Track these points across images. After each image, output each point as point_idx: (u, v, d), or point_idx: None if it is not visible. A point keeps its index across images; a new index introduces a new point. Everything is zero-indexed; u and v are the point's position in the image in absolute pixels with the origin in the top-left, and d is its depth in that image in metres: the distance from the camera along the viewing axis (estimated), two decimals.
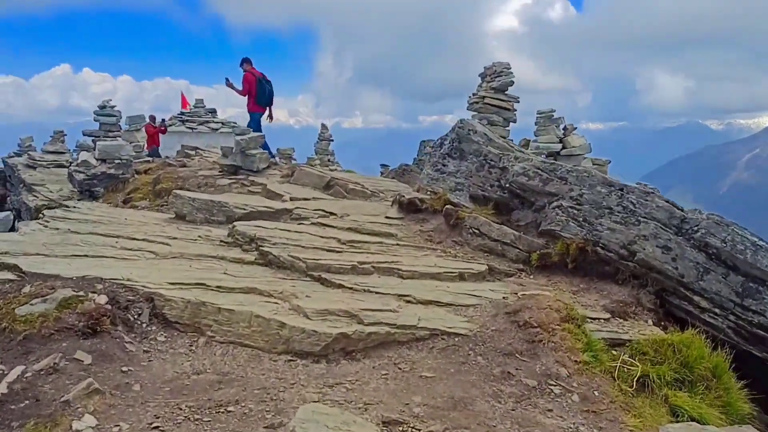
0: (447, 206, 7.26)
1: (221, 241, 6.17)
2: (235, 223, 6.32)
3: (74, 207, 6.96)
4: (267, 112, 16.47)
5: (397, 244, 6.45)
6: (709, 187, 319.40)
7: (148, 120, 28.86)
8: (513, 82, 12.20)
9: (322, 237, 6.22)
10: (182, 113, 36.92)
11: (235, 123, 36.70)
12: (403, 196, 7.91)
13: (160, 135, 26.53)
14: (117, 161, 12.85)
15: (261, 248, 5.77)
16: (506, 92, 12.73)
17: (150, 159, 17.68)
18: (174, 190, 7.65)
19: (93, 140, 16.48)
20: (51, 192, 12.88)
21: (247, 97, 16.50)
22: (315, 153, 27.59)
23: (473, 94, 12.84)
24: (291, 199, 10.78)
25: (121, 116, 16.23)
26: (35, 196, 12.80)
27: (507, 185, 7.01)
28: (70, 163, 13.92)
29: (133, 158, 15.82)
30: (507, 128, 12.65)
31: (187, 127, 35.35)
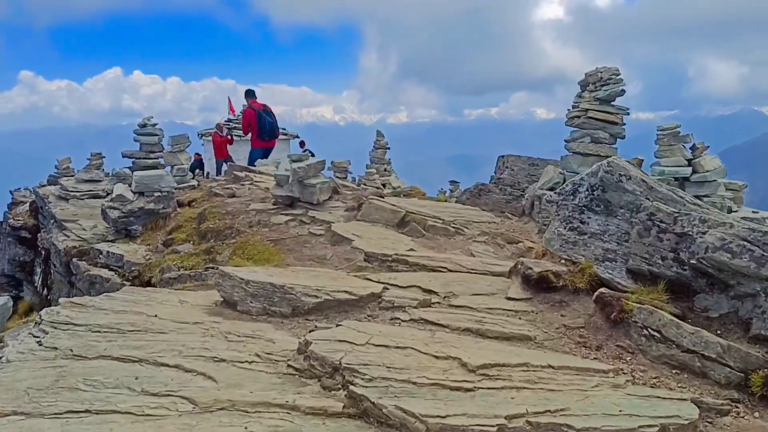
0: (601, 291, 5.12)
1: (289, 364, 4.18)
2: (308, 337, 4.31)
3: (85, 305, 5.00)
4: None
5: (548, 367, 4.32)
6: (766, 174, 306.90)
7: (215, 129, 26.91)
8: (624, 91, 9.96)
9: (435, 356, 4.18)
10: (229, 120, 35.46)
11: (284, 129, 35.09)
12: (530, 269, 5.81)
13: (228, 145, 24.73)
14: (157, 194, 11.09)
15: (351, 387, 3.76)
16: (613, 103, 10.47)
17: (209, 177, 16.11)
18: (221, 269, 5.69)
19: (132, 164, 14.84)
20: (84, 230, 11.24)
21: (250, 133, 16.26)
22: (370, 161, 25.62)
23: (573, 107, 10.63)
24: (360, 237, 8.84)
25: (164, 135, 14.50)
26: (66, 235, 11.17)
27: (692, 261, 4.87)
28: (107, 194, 12.25)
29: (177, 185, 14.12)
30: (614, 146, 10.39)
31: (233, 136, 33.86)
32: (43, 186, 16.47)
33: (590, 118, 10.39)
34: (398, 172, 25.71)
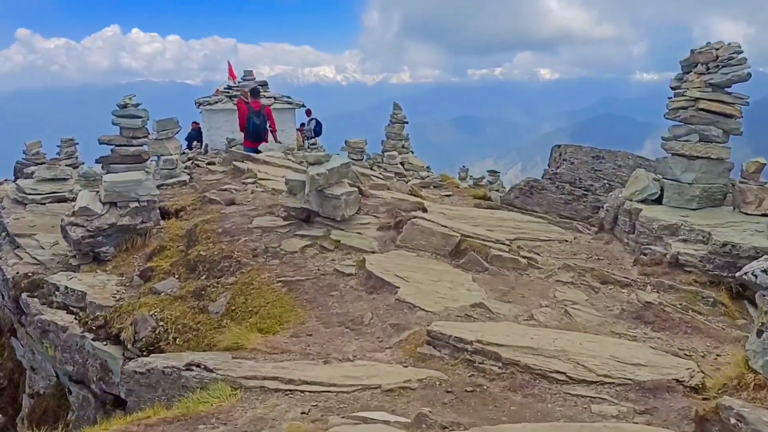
0: None
1: None
2: None
3: None
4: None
5: None
6: None
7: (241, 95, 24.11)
8: (750, 75, 7.40)
9: None
10: (229, 87, 32.72)
11: (289, 97, 32.43)
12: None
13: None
14: (133, 205, 8.62)
15: None
16: (728, 90, 7.93)
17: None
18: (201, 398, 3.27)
19: (111, 152, 12.33)
20: (42, 249, 8.75)
21: None
22: (386, 137, 23.02)
23: (675, 95, 8.06)
24: (406, 281, 6.43)
25: (149, 117, 11.94)
26: (18, 256, 8.66)
27: None
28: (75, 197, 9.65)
29: (164, 182, 11.61)
30: (727, 146, 7.86)
31: (235, 104, 31.17)
32: (2, 183, 13.71)
33: (701, 110, 7.84)
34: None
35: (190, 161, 25.03)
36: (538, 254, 7.96)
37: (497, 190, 13.94)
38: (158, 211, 8.96)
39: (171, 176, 11.71)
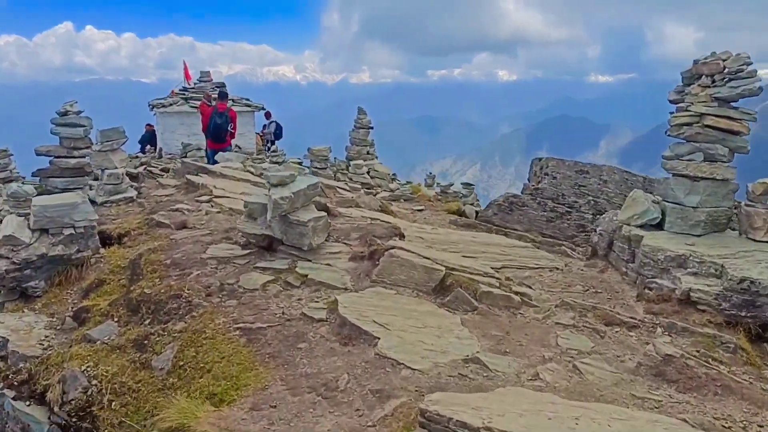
0: None
1: None
2: None
3: None
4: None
5: None
6: None
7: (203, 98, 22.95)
8: (761, 89, 6.67)
9: None
10: (185, 89, 31.34)
11: (248, 99, 31.19)
12: None
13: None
14: (68, 231, 7.47)
15: None
16: (733, 104, 7.20)
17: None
18: None
19: (49, 163, 11.20)
20: None
21: None
22: (351, 143, 22.08)
23: (677, 110, 7.31)
24: (386, 328, 5.50)
25: (92, 126, 10.81)
26: None
27: None
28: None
29: (108, 198, 10.43)
30: (731, 165, 7.15)
31: (191, 106, 29.81)
32: None
33: (707, 126, 7.10)
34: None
35: (143, 166, 23.66)
36: (530, 287, 7.12)
37: (472, 204, 13.09)
38: (97, 237, 7.82)
39: (116, 192, 10.55)
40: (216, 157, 14.95)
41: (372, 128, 21.64)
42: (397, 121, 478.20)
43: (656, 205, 7.58)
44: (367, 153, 21.69)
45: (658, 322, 6.19)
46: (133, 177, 20.90)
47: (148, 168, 21.53)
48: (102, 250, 7.87)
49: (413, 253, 6.86)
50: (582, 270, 7.96)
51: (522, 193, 10.97)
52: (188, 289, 6.45)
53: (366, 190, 14.56)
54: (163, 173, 19.47)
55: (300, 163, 30.33)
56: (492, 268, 7.49)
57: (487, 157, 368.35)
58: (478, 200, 14.49)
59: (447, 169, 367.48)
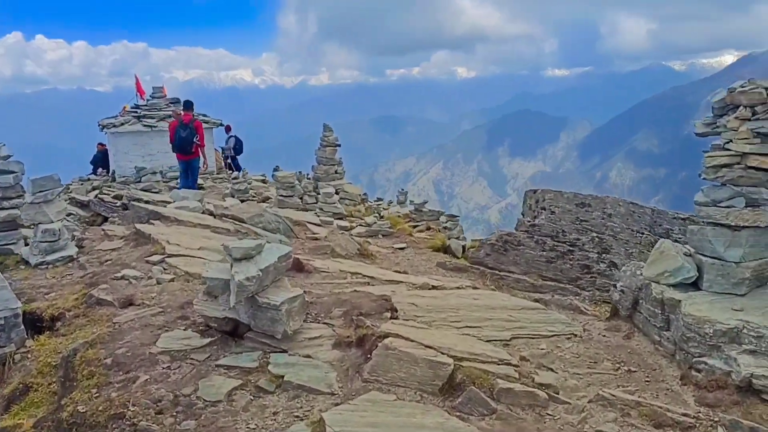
0: None
1: None
2: None
3: None
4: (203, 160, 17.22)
5: None
6: (673, 129, 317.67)
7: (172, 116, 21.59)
8: None
9: None
10: (137, 106, 29.63)
11: (205, 116, 29.59)
12: None
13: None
14: None
15: None
16: None
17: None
18: None
19: None
20: None
21: None
22: (317, 162, 20.81)
23: (711, 148, 6.19)
24: None
25: (24, 172, 9.36)
26: None
27: None
28: None
29: (42, 260, 8.94)
30: None
31: (144, 125, 28.14)
32: None
33: (750, 168, 6.03)
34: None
35: (95, 192, 21.89)
36: (552, 369, 5.94)
37: (457, 237, 11.90)
38: (22, 327, 6.40)
39: (52, 251, 9.08)
40: (170, 195, 13.51)
41: (339, 146, 20.39)
42: (357, 121, 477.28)
43: (689, 259, 6.47)
44: (335, 172, 20.46)
45: (717, 419, 5.06)
46: (83, 205, 19.27)
47: (99, 195, 19.90)
48: (29, 342, 6.45)
49: (412, 342, 5.62)
50: (604, 335, 6.81)
51: (516, 229, 9.82)
52: (133, 405, 5.10)
53: (339, 222, 13.28)
54: (115, 202, 17.89)
55: (264, 180, 28.89)
56: (502, 342, 6.32)
57: (450, 155, 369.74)
58: (463, 234, 13.31)
59: (410, 168, 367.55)
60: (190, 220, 10.62)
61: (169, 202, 13.31)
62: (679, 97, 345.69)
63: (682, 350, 5.80)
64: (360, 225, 12.56)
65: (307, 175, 31.58)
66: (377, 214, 20.09)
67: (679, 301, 6.04)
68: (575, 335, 6.74)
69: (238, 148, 30.07)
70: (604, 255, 9.05)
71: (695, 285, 6.38)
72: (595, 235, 9.29)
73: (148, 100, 30.23)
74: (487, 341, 6.31)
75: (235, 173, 26.40)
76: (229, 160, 30.47)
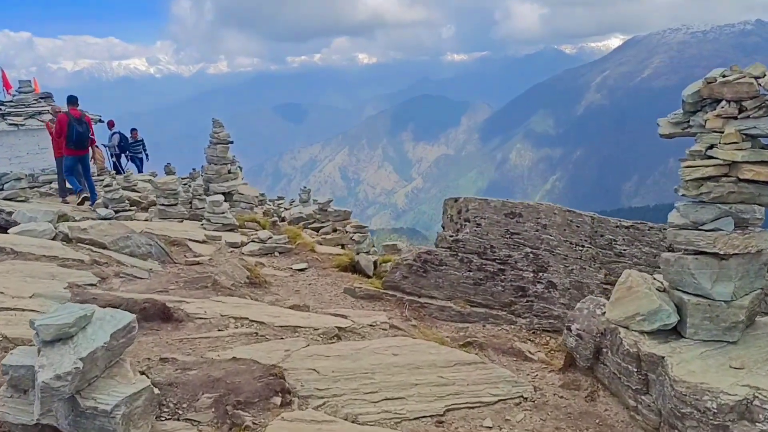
0: None
1: None
2: None
3: None
4: (91, 154, 17.06)
5: None
6: (567, 110, 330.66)
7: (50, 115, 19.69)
8: None
9: None
10: (1, 102, 26.24)
11: (83, 110, 26.50)
12: None
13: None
14: None
15: None
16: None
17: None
18: None
19: None
20: None
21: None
22: (207, 161, 18.62)
23: (689, 154, 4.72)
24: None
25: None
26: None
27: None
28: None
29: None
30: (765, 230, 4.74)
31: (9, 124, 24.82)
32: None
33: (743, 181, 4.66)
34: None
35: None
36: None
37: (367, 252, 10.21)
38: None
39: None
40: (15, 216, 11.08)
41: (232, 142, 18.27)
42: (260, 110, 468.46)
43: (665, 297, 5.06)
44: (229, 172, 18.33)
45: None
46: None
47: None
48: None
49: None
50: (562, 396, 5.32)
51: (437, 246, 8.24)
52: None
53: (229, 237, 11.31)
54: None
55: (153, 175, 26.19)
56: (434, 419, 4.71)
57: (355, 141, 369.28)
58: (374, 246, 11.63)
59: (316, 155, 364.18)
60: (31, 251, 8.39)
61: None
62: (571, 79, 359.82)
63: (674, 429, 4.35)
64: (253, 241, 10.63)
65: (200, 171, 29.15)
66: (277, 217, 18.16)
67: (662, 357, 4.60)
68: (525, 399, 5.21)
69: (123, 145, 27.27)
70: (540, 274, 7.63)
71: (675, 330, 4.97)
72: (529, 250, 7.85)
73: (14, 96, 26.87)
74: (415, 418, 4.68)
75: (127, 166, 23.95)
76: (113, 159, 27.60)
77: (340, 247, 12.26)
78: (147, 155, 27.10)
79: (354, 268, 9.88)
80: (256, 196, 17.48)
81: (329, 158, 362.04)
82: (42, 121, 24.05)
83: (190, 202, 17.58)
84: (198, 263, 9.32)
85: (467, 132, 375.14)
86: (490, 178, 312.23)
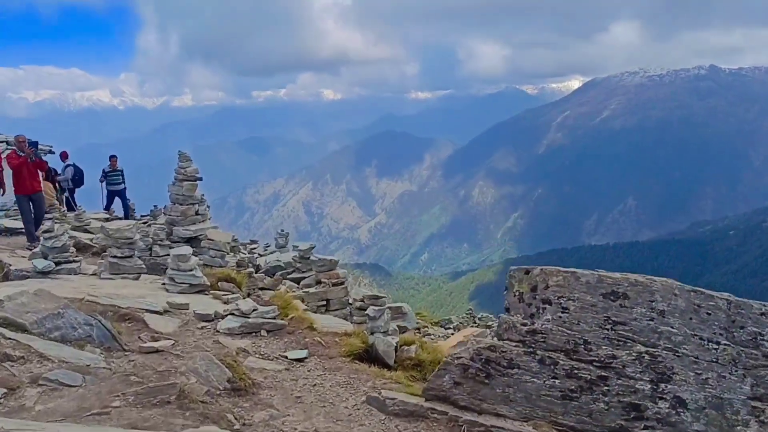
0: None
1: None
2: None
3: None
4: None
5: None
6: (528, 149, 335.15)
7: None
8: None
9: None
10: None
11: (51, 147, 23.84)
12: None
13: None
14: None
15: None
16: None
17: None
18: None
19: None
20: None
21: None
22: (171, 200, 15.95)
23: None
24: None
25: None
26: None
27: None
28: None
29: None
30: None
31: None
32: None
33: None
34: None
35: None
36: None
37: (385, 332, 7.63)
38: None
39: None
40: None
41: (200, 179, 15.63)
42: (224, 143, 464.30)
43: None
44: (196, 213, 15.64)
45: None
46: None
47: None
48: None
49: None
50: None
51: (502, 338, 5.79)
52: None
53: (198, 306, 8.67)
54: None
55: (108, 219, 23.25)
56: None
57: (319, 176, 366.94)
58: (393, 325, 9.05)
59: (279, 189, 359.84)
60: None
61: None
62: (533, 119, 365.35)
63: None
64: (232, 314, 8.01)
65: (163, 209, 26.21)
66: (251, 266, 15.53)
67: None
68: None
69: (77, 178, 24.27)
70: (662, 385, 5.25)
71: None
72: (642, 349, 5.45)
73: None
74: None
75: (73, 210, 21.02)
76: (66, 193, 24.52)
77: (342, 318, 9.68)
78: (125, 188, 23.87)
79: (368, 354, 7.35)
80: (228, 242, 14.82)
81: (293, 192, 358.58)
82: None
83: (150, 249, 14.85)
84: (157, 351, 6.70)
85: (430, 168, 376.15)
86: (453, 214, 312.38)
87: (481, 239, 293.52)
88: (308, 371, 6.69)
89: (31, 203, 15.04)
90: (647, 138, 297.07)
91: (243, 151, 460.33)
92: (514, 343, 5.69)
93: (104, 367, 6.05)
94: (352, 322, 10.40)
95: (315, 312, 13.71)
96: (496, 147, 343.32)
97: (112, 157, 23.08)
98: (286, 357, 6.97)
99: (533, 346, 5.61)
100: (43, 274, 11.50)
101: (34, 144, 15.72)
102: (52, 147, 25.31)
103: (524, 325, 5.70)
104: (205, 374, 5.94)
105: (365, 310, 9.07)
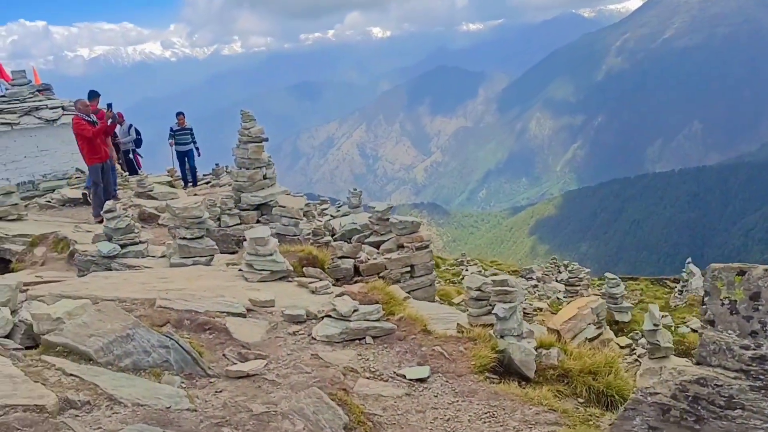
0: None
1: None
2: None
3: None
4: None
5: None
6: (587, 76, 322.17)
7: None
8: None
9: None
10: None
11: (111, 106, 22.72)
12: None
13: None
14: None
15: None
16: None
17: None
18: None
19: None
20: None
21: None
22: (236, 165, 14.72)
23: None
24: None
25: None
26: None
27: None
28: None
29: None
30: None
31: (2, 123, 21.02)
32: None
33: None
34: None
35: None
36: None
37: (519, 335, 6.10)
38: None
39: None
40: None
41: (266, 140, 14.27)
42: (275, 90, 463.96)
43: None
44: (264, 178, 14.37)
45: None
46: None
47: None
48: None
49: None
50: None
51: (708, 363, 4.24)
52: None
53: (285, 300, 7.37)
54: None
55: (170, 183, 22.30)
56: None
57: (371, 117, 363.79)
58: (528, 327, 7.53)
59: (333, 133, 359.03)
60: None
61: None
62: (590, 44, 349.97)
63: None
64: (328, 315, 6.68)
65: (227, 168, 25.04)
66: (327, 233, 14.20)
67: None
68: None
69: (139, 140, 23.20)
70: None
71: None
72: None
73: (6, 89, 23.06)
74: None
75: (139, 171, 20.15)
76: (131, 156, 23.48)
77: (447, 303, 8.24)
78: (197, 149, 21.93)
79: (501, 365, 5.91)
80: (300, 208, 13.52)
81: (346, 135, 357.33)
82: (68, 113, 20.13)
83: (219, 219, 13.72)
84: (248, 375, 5.43)
85: (485, 103, 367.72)
86: (510, 149, 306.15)
87: (540, 172, 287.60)
88: (435, 397, 5.31)
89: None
90: (713, 57, 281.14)
91: (293, 97, 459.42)
92: (732, 374, 4.13)
93: (188, 409, 4.79)
94: (463, 310, 8.97)
95: (399, 281, 12.41)
96: (552, 76, 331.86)
97: (179, 114, 21.34)
98: (404, 376, 5.60)
99: (763, 378, 4.04)
100: (109, 258, 10.50)
101: (109, 106, 14.86)
102: (111, 105, 24.42)
103: (746, 348, 4.12)
104: (314, 417, 4.62)
105: (481, 300, 7.60)
